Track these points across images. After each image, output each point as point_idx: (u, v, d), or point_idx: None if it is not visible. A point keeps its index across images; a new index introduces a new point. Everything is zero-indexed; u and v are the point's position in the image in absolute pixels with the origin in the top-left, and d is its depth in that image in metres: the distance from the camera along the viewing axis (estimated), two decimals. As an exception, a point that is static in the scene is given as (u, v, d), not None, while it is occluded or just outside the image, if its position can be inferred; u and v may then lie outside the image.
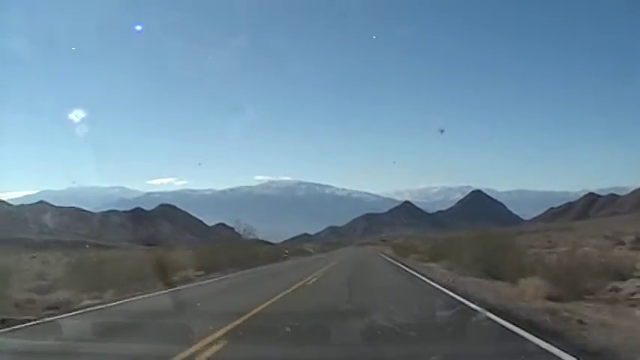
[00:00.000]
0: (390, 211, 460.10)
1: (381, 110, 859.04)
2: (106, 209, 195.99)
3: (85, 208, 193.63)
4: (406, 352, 6.97)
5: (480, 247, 20.59)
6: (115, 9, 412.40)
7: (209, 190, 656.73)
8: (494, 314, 9.28)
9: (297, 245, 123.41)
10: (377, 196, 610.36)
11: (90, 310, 12.35)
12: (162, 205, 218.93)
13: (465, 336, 8.10)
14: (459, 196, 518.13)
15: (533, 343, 6.92)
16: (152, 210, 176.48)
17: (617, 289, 12.49)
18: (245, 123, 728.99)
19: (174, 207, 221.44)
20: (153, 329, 9.91)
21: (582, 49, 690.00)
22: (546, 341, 6.82)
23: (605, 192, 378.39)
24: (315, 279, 21.25)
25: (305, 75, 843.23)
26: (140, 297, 15.62)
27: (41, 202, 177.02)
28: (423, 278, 20.05)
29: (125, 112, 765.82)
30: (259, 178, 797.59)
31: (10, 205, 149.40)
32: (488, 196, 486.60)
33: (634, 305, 10.27)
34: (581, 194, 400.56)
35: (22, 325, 9.78)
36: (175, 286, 18.60)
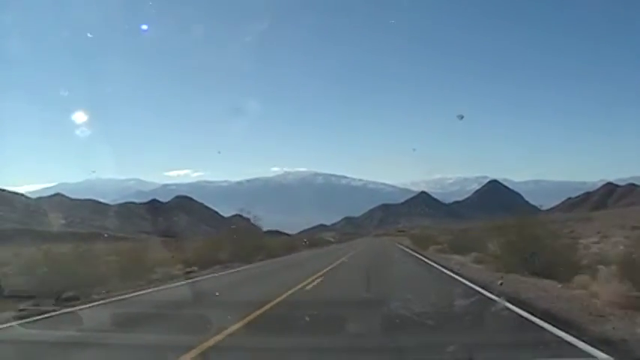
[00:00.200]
0: (406, 201, 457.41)
1: (397, 100, 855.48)
2: (122, 201, 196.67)
3: (102, 200, 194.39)
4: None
5: (516, 237, 18.06)
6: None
7: (225, 181, 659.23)
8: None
9: (315, 235, 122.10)
10: (393, 186, 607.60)
11: None
12: (178, 197, 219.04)
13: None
14: (476, 187, 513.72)
15: None
16: (168, 202, 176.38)
17: None
18: (261, 114, 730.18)
19: (190, 198, 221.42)
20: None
21: (601, 39, 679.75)
22: None
23: (623, 182, 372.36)
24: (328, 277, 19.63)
25: (320, 65, 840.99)
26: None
27: (58, 194, 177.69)
28: (459, 278, 16.39)
29: (142, 105, 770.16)
30: (275, 170, 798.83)
31: (27, 197, 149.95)
32: (505, 186, 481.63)
33: None
34: (599, 184, 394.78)
35: None
36: (139, 290, 14.87)
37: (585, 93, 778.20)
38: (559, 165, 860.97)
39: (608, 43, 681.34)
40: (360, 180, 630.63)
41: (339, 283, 16.40)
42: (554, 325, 7.52)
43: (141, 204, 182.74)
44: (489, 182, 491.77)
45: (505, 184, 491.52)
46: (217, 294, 13.96)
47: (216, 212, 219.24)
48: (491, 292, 11.82)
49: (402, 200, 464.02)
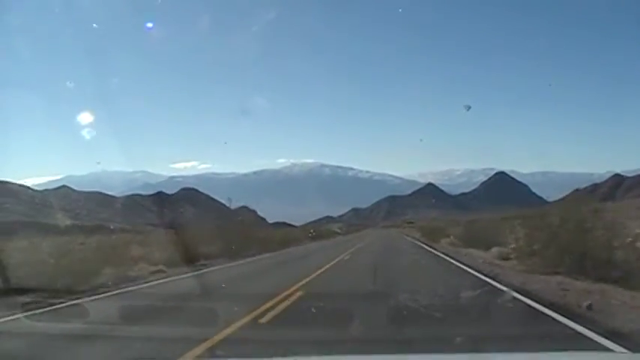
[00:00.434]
0: (413, 193, 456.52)
1: (404, 92, 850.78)
2: (129, 193, 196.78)
3: (108, 193, 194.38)
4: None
5: (562, 229, 14.45)
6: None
7: (232, 173, 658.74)
8: None
9: (321, 227, 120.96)
10: (400, 178, 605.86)
11: None
12: (184, 189, 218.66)
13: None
14: (483, 178, 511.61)
15: None
16: (174, 194, 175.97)
17: None
18: (267, 106, 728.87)
19: (196, 190, 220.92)
20: None
21: (609, 27, 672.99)
22: None
23: (632, 173, 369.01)
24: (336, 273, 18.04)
25: (327, 57, 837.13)
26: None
27: (64, 186, 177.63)
28: (501, 287, 12.29)
29: (148, 98, 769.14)
30: (282, 161, 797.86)
31: (33, 190, 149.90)
32: (512, 178, 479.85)
33: None
34: (607, 176, 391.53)
35: None
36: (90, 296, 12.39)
37: (592, 83, 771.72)
38: (566, 156, 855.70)
39: (615, 32, 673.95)
40: (366, 171, 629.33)
41: (332, 301, 11.02)
42: None
43: (147, 196, 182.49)
44: (496, 174, 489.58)
45: (512, 175, 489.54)
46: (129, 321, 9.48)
47: (223, 204, 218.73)
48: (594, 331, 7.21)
49: (409, 192, 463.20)
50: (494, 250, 22.51)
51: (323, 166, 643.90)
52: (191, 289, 14.64)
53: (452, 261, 21.56)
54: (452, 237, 38.23)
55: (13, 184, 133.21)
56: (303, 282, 13.98)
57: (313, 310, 9.53)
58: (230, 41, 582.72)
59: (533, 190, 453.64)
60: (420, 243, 41.27)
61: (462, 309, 9.83)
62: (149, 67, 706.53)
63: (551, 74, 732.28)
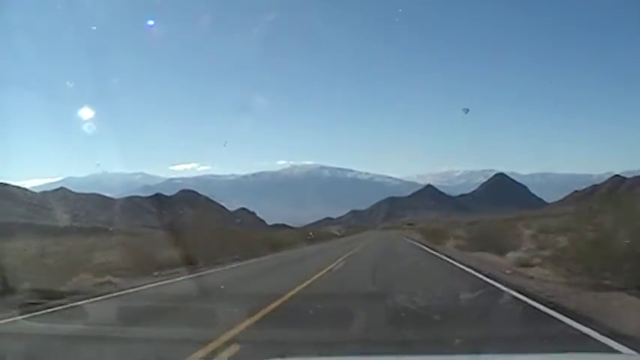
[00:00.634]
0: (413, 194, 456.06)
1: (404, 93, 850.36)
2: (128, 195, 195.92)
3: (107, 195, 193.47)
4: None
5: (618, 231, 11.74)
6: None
7: (232, 175, 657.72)
8: None
9: (320, 229, 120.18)
10: (399, 179, 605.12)
11: None
12: (183, 191, 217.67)
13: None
14: (482, 180, 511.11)
15: None
16: (173, 195, 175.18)
17: None
18: (267, 107, 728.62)
19: (195, 192, 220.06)
20: None
21: (609, 26, 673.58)
22: None
23: (631, 174, 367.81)
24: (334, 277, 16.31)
25: (327, 58, 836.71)
26: None
27: (62, 188, 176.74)
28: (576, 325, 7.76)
29: (148, 99, 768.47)
30: (281, 163, 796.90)
31: (31, 192, 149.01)
32: (512, 179, 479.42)
33: None
34: (606, 177, 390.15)
35: None
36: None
37: (592, 83, 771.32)
38: (565, 157, 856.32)
39: (614, 30, 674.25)
40: (366, 173, 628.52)
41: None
42: None
43: (146, 198, 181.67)
44: (496, 175, 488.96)
45: (512, 177, 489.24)
46: None
47: (222, 206, 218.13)
48: None
49: (409, 193, 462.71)
50: (512, 255, 20.01)
51: (322, 167, 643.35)
52: (121, 312, 10.73)
53: (466, 269, 17.10)
54: (454, 239, 36.91)
55: (11, 186, 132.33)
56: (272, 306, 9.85)
57: None
58: (230, 42, 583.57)
59: (533, 191, 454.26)
60: (422, 246, 37.31)
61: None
62: (149, 69, 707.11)
63: (551, 74, 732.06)
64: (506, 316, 9.19)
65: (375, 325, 8.34)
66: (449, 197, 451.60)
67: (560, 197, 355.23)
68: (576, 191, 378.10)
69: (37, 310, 10.31)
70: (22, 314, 9.90)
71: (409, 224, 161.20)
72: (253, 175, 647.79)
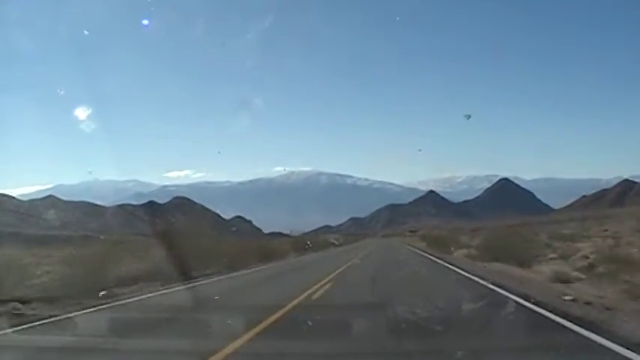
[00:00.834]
0: (414, 201, 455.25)
1: (404, 98, 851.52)
2: (120, 203, 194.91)
3: (98, 203, 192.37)
4: None
5: None
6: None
7: (227, 182, 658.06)
8: None
9: (319, 237, 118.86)
10: (400, 186, 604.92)
11: None
12: (176, 198, 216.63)
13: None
14: (486, 185, 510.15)
15: None
16: (166, 203, 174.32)
17: None
18: (263, 113, 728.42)
19: (189, 200, 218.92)
20: None
21: (614, 29, 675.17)
22: None
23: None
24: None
25: (325, 63, 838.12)
26: None
27: (51, 196, 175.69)
28: None
29: (142, 105, 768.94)
30: (278, 169, 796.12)
31: (19, 200, 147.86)
32: (516, 185, 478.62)
33: None
34: (615, 181, 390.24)
35: None
36: None
37: (597, 85, 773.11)
38: (571, 162, 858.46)
39: (621, 34, 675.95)
40: (365, 179, 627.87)
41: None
42: None
43: (138, 206, 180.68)
44: (500, 180, 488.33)
45: (516, 182, 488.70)
46: None
47: (217, 214, 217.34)
48: None
49: (410, 200, 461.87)
50: (540, 267, 17.29)
51: (320, 173, 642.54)
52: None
53: (498, 290, 12.39)
54: (462, 247, 35.48)
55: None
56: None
57: None
58: (226, 46, 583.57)
59: (538, 196, 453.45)
60: (428, 255, 33.83)
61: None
62: (144, 73, 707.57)
63: (555, 76, 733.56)
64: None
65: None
66: (451, 203, 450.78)
67: (567, 203, 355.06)
68: (584, 196, 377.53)
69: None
70: None
71: (411, 231, 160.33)
72: (249, 181, 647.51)
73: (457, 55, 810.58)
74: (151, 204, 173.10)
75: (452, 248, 35.65)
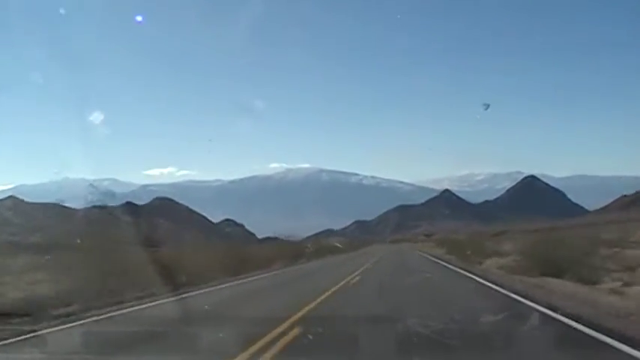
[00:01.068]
0: (427, 202, 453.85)
1: (416, 87, 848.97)
2: (93, 204, 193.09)
3: (67, 204, 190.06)
4: None
5: None
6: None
7: (217, 180, 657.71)
8: None
9: (319, 242, 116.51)
10: (411, 184, 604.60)
11: None
12: (157, 199, 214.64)
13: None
14: (509, 184, 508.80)
15: None
16: (145, 205, 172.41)
17: None
18: (258, 104, 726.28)
19: (172, 200, 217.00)
20: None
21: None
22: None
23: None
24: None
25: (326, 48, 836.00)
26: None
27: (11, 197, 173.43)
28: None
29: (119, 94, 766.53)
30: (274, 166, 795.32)
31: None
32: (544, 183, 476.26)
33: None
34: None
35: None
36: None
37: (634, 72, 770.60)
38: (608, 157, 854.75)
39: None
40: (372, 177, 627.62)
41: None
42: None
43: (113, 207, 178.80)
44: (525, 178, 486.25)
45: (544, 180, 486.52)
46: None
47: (204, 217, 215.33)
48: None
49: (422, 200, 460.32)
50: (632, 290, 13.50)
51: (321, 171, 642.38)
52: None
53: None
54: (492, 255, 32.46)
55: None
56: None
57: None
58: (217, 34, 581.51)
59: (569, 196, 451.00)
60: (450, 266, 30.27)
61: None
62: (121, 59, 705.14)
63: (590, 63, 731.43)
64: None
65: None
66: (469, 204, 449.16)
67: (604, 203, 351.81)
68: (625, 195, 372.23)
69: None
70: None
71: (426, 235, 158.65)
72: (241, 180, 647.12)
73: (473, 40, 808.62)
74: (127, 205, 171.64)
75: (478, 257, 32.78)
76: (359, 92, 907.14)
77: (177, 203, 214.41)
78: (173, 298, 16.77)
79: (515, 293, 14.51)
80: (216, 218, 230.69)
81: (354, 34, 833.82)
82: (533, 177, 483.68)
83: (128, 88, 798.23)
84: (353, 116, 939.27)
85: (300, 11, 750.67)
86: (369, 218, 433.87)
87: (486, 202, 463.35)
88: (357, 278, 23.05)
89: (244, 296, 18.09)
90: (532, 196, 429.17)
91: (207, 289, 20.24)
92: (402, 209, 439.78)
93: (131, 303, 15.55)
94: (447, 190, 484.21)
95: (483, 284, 18.56)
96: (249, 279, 25.93)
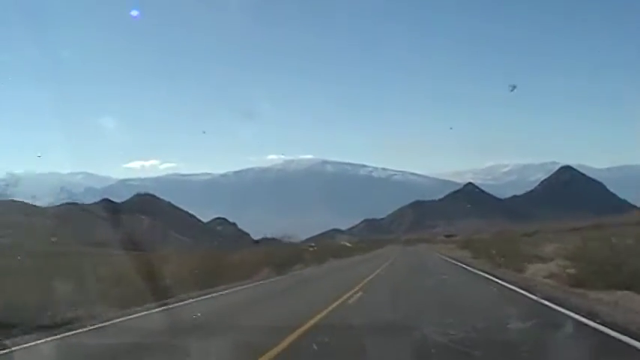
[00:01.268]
0: (447, 197, 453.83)
1: (433, 67, 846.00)
2: (64, 202, 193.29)
3: (35, 203, 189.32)
4: None
5: None
6: None
7: (206, 174, 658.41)
8: None
9: (322, 242, 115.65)
10: (428, 177, 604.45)
11: None
12: (138, 195, 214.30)
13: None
14: (541, 176, 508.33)
15: None
16: (124, 202, 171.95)
17: None
18: (253, 87, 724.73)
19: (154, 197, 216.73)
20: None
21: None
22: None
23: None
24: None
25: (328, 23, 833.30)
26: None
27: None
28: None
29: (94, 76, 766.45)
30: (272, 158, 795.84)
31: None
32: (583, 175, 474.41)
33: None
34: None
35: None
36: None
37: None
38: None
39: None
40: (383, 169, 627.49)
41: None
42: None
43: (88, 205, 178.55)
44: (561, 169, 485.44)
45: (582, 171, 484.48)
46: None
47: (192, 215, 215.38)
48: None
49: (441, 195, 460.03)
50: None
51: (326, 162, 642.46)
52: None
53: None
54: (529, 261, 30.41)
55: None
56: None
57: None
58: (207, 9, 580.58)
59: (612, 190, 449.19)
60: (487, 275, 26.93)
61: None
62: (95, 38, 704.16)
63: (627, 37, 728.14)
64: None
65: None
66: (495, 199, 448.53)
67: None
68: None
69: None
70: None
71: (447, 236, 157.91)
72: (235, 173, 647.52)
73: (498, 11, 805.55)
74: (103, 203, 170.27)
75: (516, 262, 31.15)
76: (367, 73, 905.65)
77: (160, 200, 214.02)
78: (97, 325, 14.35)
79: (608, 325, 10.92)
80: (205, 217, 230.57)
81: (359, 3, 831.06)
82: (569, 168, 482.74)
83: (105, 73, 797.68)
84: (360, 100, 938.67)
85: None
86: (379, 216, 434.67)
87: (515, 197, 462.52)
88: (358, 295, 18.90)
89: (191, 327, 13.96)
90: (568, 189, 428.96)
91: (148, 312, 16.74)
92: (418, 206, 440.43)
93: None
94: (469, 184, 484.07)
95: (541, 304, 15.08)
96: (225, 292, 23.09)
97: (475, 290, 21.70)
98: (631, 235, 24.24)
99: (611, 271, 17.28)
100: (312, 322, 12.98)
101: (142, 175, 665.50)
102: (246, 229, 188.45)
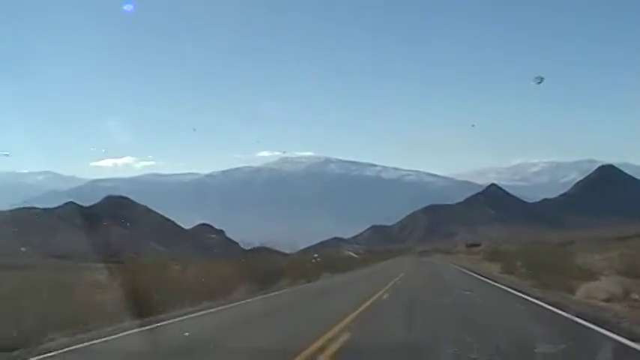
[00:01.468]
0: (467, 200, 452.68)
1: (450, 55, 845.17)
2: (23, 206, 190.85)
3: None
4: None
5: None
6: None
7: (190, 173, 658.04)
8: None
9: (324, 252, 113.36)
10: (444, 177, 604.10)
11: None
12: (110, 198, 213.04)
13: None
14: (577, 176, 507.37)
15: None
16: (93, 205, 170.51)
17: None
18: (245, 78, 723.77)
19: (128, 200, 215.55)
20: None
21: None
22: None
23: None
24: None
25: (333, 11, 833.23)
26: None
27: None
28: None
29: (62, 64, 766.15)
30: (265, 155, 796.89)
31: None
32: (626, 175, 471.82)
33: None
34: None
35: None
36: None
37: None
38: None
39: None
40: (394, 169, 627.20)
41: None
42: None
43: (52, 209, 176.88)
44: (600, 168, 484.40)
45: (625, 170, 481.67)
46: None
47: (172, 221, 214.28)
48: None
49: (460, 199, 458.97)
50: None
51: (328, 161, 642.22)
52: None
53: None
54: (581, 278, 28.21)
55: None
56: None
57: None
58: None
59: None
60: (528, 297, 22.35)
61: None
62: (66, 23, 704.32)
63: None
64: None
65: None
66: (523, 203, 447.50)
67: None
68: None
69: None
70: None
71: (470, 245, 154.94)
72: (223, 173, 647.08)
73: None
74: (69, 206, 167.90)
75: (565, 280, 28.86)
76: (376, 62, 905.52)
77: (135, 204, 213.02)
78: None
79: None
80: (188, 223, 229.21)
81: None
82: (610, 167, 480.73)
83: (75, 59, 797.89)
84: (369, 93, 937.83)
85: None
86: (389, 222, 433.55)
87: (547, 200, 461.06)
88: (346, 336, 12.77)
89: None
90: (609, 190, 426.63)
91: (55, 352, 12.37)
92: (432, 210, 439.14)
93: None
94: (492, 185, 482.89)
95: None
96: (175, 320, 17.73)
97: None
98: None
99: None
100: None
101: (115, 175, 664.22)
102: (234, 238, 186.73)
